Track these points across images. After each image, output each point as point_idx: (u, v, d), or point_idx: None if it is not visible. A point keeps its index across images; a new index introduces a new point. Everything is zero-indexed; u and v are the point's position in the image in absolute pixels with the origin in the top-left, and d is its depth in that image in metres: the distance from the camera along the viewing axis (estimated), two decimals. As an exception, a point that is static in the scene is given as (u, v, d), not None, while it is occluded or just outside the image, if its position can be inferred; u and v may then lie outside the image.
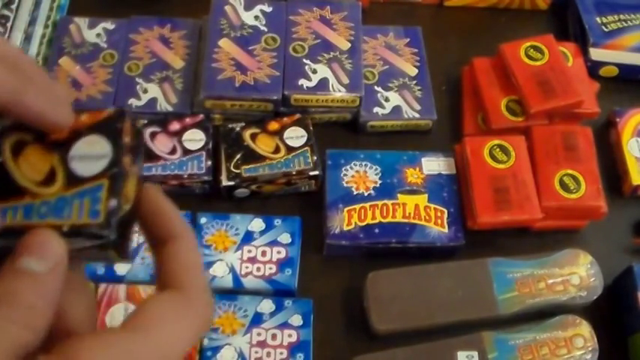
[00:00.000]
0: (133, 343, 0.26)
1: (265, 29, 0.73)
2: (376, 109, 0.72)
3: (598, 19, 0.78)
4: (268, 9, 0.74)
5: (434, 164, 0.68)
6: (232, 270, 0.61)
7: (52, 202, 0.28)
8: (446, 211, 0.65)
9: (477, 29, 0.83)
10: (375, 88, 0.73)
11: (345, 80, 0.70)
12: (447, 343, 0.59)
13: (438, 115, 0.73)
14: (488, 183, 0.65)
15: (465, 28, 0.83)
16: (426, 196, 0.66)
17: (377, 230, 0.64)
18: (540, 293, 0.62)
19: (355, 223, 0.64)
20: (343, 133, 0.73)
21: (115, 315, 0.58)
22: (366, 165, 0.67)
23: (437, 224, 0.64)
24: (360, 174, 0.67)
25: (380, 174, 0.67)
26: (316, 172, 0.66)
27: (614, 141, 0.74)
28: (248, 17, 0.73)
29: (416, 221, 0.64)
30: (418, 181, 0.67)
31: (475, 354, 0.58)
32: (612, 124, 0.74)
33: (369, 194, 0.66)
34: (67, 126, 0.31)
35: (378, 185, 0.66)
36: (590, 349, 0.60)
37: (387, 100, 0.73)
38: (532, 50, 0.72)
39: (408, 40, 0.77)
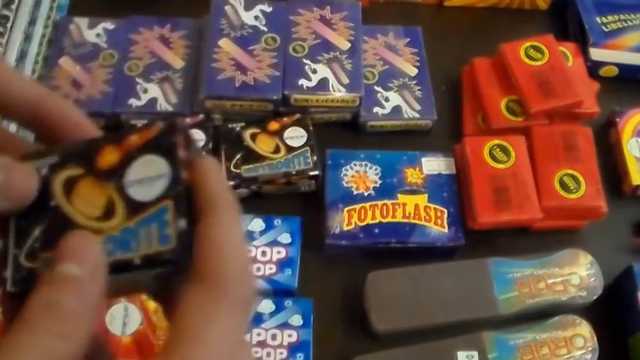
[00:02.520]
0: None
1: (265, 29, 0.73)
2: (376, 109, 0.72)
3: (598, 19, 0.78)
4: (268, 9, 0.74)
5: (434, 164, 0.68)
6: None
7: (118, 235, 0.26)
8: (446, 211, 0.65)
9: (477, 29, 0.83)
10: (375, 88, 0.73)
11: (345, 80, 0.70)
12: (447, 343, 0.59)
13: (438, 115, 0.73)
14: (488, 183, 0.65)
15: (465, 28, 0.83)
16: (426, 196, 0.66)
17: (377, 230, 0.64)
18: (540, 293, 0.62)
19: (355, 223, 0.64)
20: (343, 133, 0.73)
21: (115, 315, 0.58)
22: (366, 165, 0.67)
23: (437, 224, 0.64)
24: (360, 174, 0.67)
25: (380, 174, 0.67)
26: (316, 172, 0.66)
27: (614, 141, 0.74)
28: (248, 17, 0.73)
29: (416, 221, 0.64)
30: (418, 181, 0.67)
31: (475, 354, 0.58)
32: (612, 124, 0.74)
33: (369, 194, 0.66)
34: (90, 128, 0.30)
35: (378, 185, 0.66)
36: (590, 349, 0.60)
37: (387, 100, 0.73)
38: (532, 50, 0.72)
39: (408, 40, 0.77)
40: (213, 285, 0.26)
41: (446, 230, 0.64)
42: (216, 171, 0.28)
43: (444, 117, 0.74)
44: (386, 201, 0.65)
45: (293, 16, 0.74)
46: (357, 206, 0.65)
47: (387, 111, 0.72)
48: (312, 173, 0.66)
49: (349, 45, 0.73)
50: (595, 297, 0.62)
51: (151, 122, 0.29)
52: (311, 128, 0.69)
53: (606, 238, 0.69)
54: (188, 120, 0.69)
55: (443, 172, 0.68)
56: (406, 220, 0.64)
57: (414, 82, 0.74)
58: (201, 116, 0.69)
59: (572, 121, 0.72)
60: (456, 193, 0.67)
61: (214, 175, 0.28)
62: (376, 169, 0.67)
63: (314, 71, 0.71)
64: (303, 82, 0.70)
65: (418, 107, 0.73)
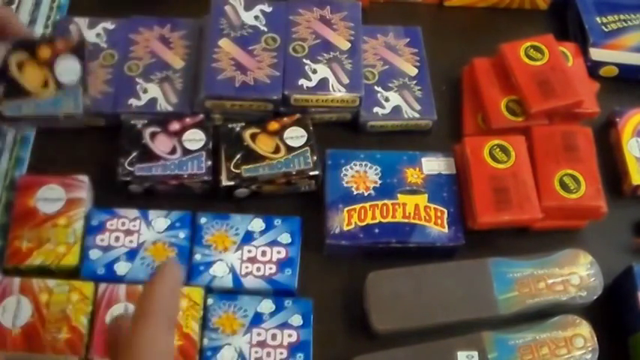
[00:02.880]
0: None
1: (265, 29, 0.73)
2: (376, 109, 0.72)
3: (598, 19, 0.78)
4: (268, 9, 0.74)
5: (434, 164, 0.68)
6: (232, 270, 0.61)
7: (50, 100, 0.60)
8: (446, 211, 0.65)
9: (477, 29, 0.83)
10: (375, 88, 0.73)
11: (345, 80, 0.70)
12: (447, 343, 0.59)
13: (438, 115, 0.73)
14: (488, 183, 0.65)
15: (465, 28, 0.83)
16: (426, 196, 0.66)
17: (377, 230, 0.64)
18: (540, 293, 0.62)
19: (355, 223, 0.64)
20: (343, 133, 0.73)
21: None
22: (366, 165, 0.68)
23: (437, 224, 0.64)
24: (360, 174, 0.67)
25: (380, 174, 0.67)
26: (316, 172, 0.66)
27: (614, 141, 0.74)
28: (248, 17, 0.73)
29: (416, 221, 0.64)
30: (418, 181, 0.67)
31: (475, 354, 0.58)
32: (612, 124, 0.74)
33: (369, 194, 0.66)
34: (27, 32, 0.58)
35: (378, 185, 0.66)
36: (590, 349, 0.60)
37: (387, 100, 0.73)
38: (532, 50, 0.72)
39: (408, 40, 0.77)
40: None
41: (446, 230, 0.64)
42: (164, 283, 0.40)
43: (444, 117, 0.74)
44: (386, 201, 0.65)
45: (293, 16, 0.74)
46: (357, 206, 0.65)
47: (387, 111, 0.72)
48: (312, 173, 0.66)
49: (349, 45, 0.73)
50: (595, 297, 0.62)
51: (69, 37, 0.54)
52: (311, 128, 0.69)
53: (606, 238, 0.69)
54: (188, 120, 0.69)
55: (443, 172, 0.68)
56: (406, 220, 0.64)
57: (414, 82, 0.74)
58: (201, 116, 0.69)
59: (572, 121, 0.72)
60: (455, 194, 0.67)
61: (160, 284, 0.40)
62: (376, 169, 0.67)
63: (314, 71, 0.71)
64: (303, 82, 0.70)
65: (418, 107, 0.73)
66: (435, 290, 0.62)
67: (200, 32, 0.75)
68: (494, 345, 0.59)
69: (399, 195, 0.66)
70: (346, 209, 0.65)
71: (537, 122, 0.70)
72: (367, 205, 0.65)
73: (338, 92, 0.70)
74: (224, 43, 0.71)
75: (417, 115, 0.72)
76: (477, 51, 0.76)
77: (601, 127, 0.75)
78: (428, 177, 0.67)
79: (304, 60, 0.71)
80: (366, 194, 0.66)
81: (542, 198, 0.65)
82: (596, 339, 0.60)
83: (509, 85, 0.72)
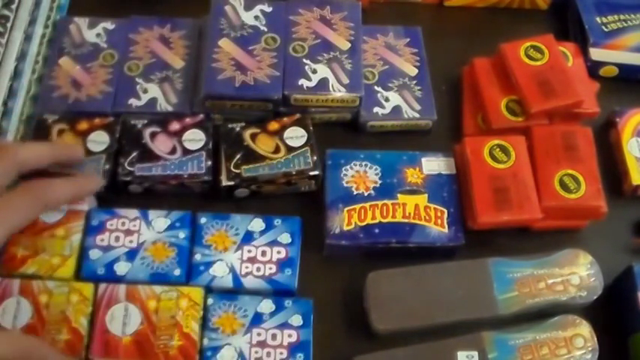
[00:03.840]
0: None
1: (265, 29, 0.73)
2: (376, 109, 0.72)
3: (598, 19, 0.78)
4: (268, 9, 0.74)
5: (434, 164, 0.68)
6: (232, 270, 0.61)
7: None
8: (446, 211, 0.65)
9: (477, 29, 0.83)
10: (375, 88, 0.73)
11: (345, 80, 0.70)
12: (447, 343, 0.59)
13: (438, 115, 0.73)
14: (489, 183, 0.65)
15: (465, 28, 0.83)
16: (426, 195, 0.66)
17: (377, 230, 0.64)
18: (540, 293, 0.62)
19: (355, 223, 0.64)
20: (343, 133, 0.73)
21: (115, 315, 0.58)
22: (365, 165, 0.68)
23: (437, 224, 0.64)
24: (360, 174, 0.67)
25: (380, 174, 0.67)
26: (316, 172, 0.66)
27: (614, 141, 0.74)
28: (248, 17, 0.73)
29: (416, 221, 0.64)
30: (418, 181, 0.67)
31: (475, 354, 0.58)
32: (612, 124, 0.74)
33: (369, 194, 0.66)
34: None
35: (378, 185, 0.66)
36: (590, 349, 0.60)
37: (387, 100, 0.73)
38: (532, 50, 0.72)
39: (408, 40, 0.77)
40: None
41: (446, 230, 0.64)
42: None
43: (444, 117, 0.74)
44: (386, 201, 0.65)
45: (293, 16, 0.74)
46: (357, 206, 0.65)
47: (387, 111, 0.72)
48: (312, 173, 0.66)
49: (349, 45, 0.73)
50: (595, 297, 0.62)
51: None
52: (311, 128, 0.69)
53: (606, 238, 0.69)
54: (188, 120, 0.69)
55: (443, 172, 0.68)
56: (406, 220, 0.64)
57: (414, 82, 0.74)
58: (201, 116, 0.69)
59: (572, 121, 0.72)
60: (455, 194, 0.67)
61: None
62: (376, 169, 0.67)
63: (314, 71, 0.71)
64: (303, 82, 0.70)
65: (418, 107, 0.73)
66: (435, 290, 0.62)
67: (200, 32, 0.75)
68: (494, 345, 0.59)
69: (399, 195, 0.66)
70: (346, 209, 0.65)
71: (537, 122, 0.70)
72: (367, 205, 0.65)
73: (338, 92, 0.70)
74: (224, 43, 0.71)
75: (417, 115, 0.72)
76: (477, 51, 0.76)
77: (601, 127, 0.75)
78: (428, 177, 0.67)
79: (304, 60, 0.71)
80: (366, 194, 0.66)
81: (542, 198, 0.65)
82: (596, 339, 0.60)
83: (509, 85, 0.72)
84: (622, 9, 0.80)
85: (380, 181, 0.66)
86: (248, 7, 0.74)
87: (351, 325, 0.63)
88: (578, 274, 0.63)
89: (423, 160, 0.68)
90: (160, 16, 0.77)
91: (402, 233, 0.64)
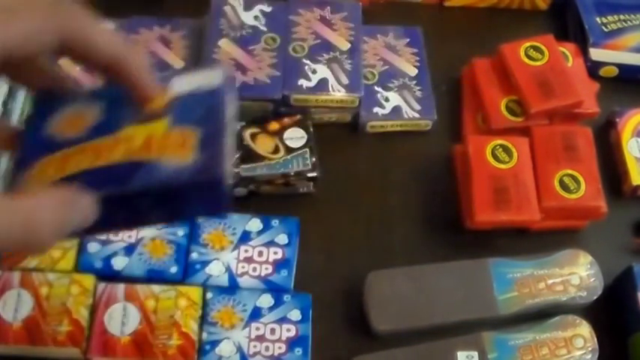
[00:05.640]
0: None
1: (265, 29, 0.73)
2: (376, 109, 0.72)
3: (598, 19, 0.78)
4: (268, 9, 0.74)
5: (189, 80, 0.43)
6: (228, 269, 0.61)
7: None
8: (195, 135, 0.39)
9: (477, 29, 0.83)
10: (375, 88, 0.73)
11: (345, 81, 0.70)
12: (447, 343, 0.59)
13: (438, 115, 0.73)
14: (489, 182, 0.65)
15: (465, 28, 0.83)
16: (167, 120, 0.40)
17: (79, 183, 0.37)
18: (540, 293, 0.62)
19: (50, 177, 0.38)
20: (343, 133, 0.73)
21: (114, 315, 0.58)
22: (84, 104, 0.43)
23: (176, 153, 0.38)
24: (76, 114, 0.42)
25: (104, 108, 0.42)
26: (314, 174, 0.66)
27: (614, 141, 0.74)
28: (248, 17, 0.73)
29: (142, 157, 0.38)
30: (160, 105, 0.41)
31: (475, 354, 0.58)
32: (612, 124, 0.74)
33: (79, 137, 0.40)
34: (152, 96, 0.40)
35: (94, 124, 0.41)
36: (590, 349, 0.59)
37: (387, 100, 0.73)
38: (532, 50, 0.72)
39: (408, 40, 0.77)
40: None
41: (189, 160, 0.37)
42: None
43: (444, 117, 0.74)
44: (98, 141, 0.39)
45: (293, 16, 0.74)
46: (57, 155, 0.39)
47: (387, 111, 0.72)
48: (310, 175, 0.66)
49: (349, 45, 0.73)
50: (595, 297, 0.62)
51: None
52: (311, 130, 0.69)
53: (606, 238, 0.69)
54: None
55: (203, 87, 0.42)
56: (127, 160, 0.38)
57: (414, 82, 0.74)
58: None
59: (572, 121, 0.72)
60: (217, 112, 0.40)
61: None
62: (100, 105, 0.42)
63: (314, 71, 0.71)
64: (302, 82, 0.70)
65: (418, 107, 0.73)
66: (435, 290, 0.62)
67: (200, 32, 0.75)
68: (494, 345, 0.59)
69: (122, 129, 0.40)
70: (39, 163, 0.39)
71: (537, 122, 0.70)
72: (71, 150, 0.39)
73: (337, 92, 0.70)
74: (224, 43, 0.71)
75: (417, 115, 0.72)
76: (477, 51, 0.76)
77: (601, 127, 0.75)
78: (177, 98, 0.41)
79: (304, 60, 0.71)
80: (73, 138, 0.40)
81: (542, 198, 0.65)
82: (596, 339, 0.60)
83: (509, 85, 0.72)
84: (622, 9, 0.80)
85: (101, 117, 0.41)
86: (248, 7, 0.74)
87: (351, 325, 0.63)
88: (578, 274, 0.63)
89: (174, 78, 0.43)
90: (159, 16, 0.77)
91: (116, 179, 0.38)
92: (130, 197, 0.38)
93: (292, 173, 0.66)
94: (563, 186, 0.66)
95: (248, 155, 0.66)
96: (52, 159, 0.39)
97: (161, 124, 0.40)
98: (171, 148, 0.38)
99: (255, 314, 0.59)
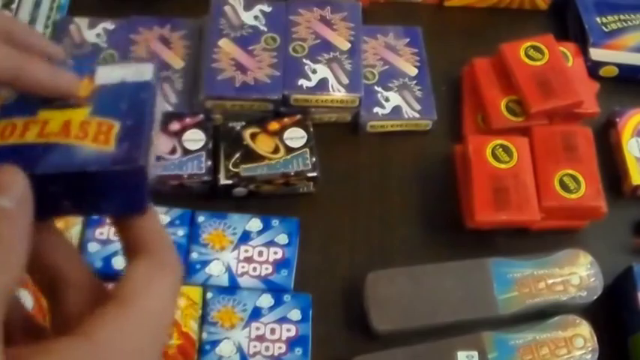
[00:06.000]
0: (126, 318, 0.27)
1: (265, 29, 0.73)
2: (376, 109, 0.72)
3: (598, 19, 0.78)
4: (268, 9, 0.74)
5: (116, 71, 0.40)
6: (228, 269, 0.61)
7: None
8: (117, 124, 0.36)
9: (477, 29, 0.83)
10: (375, 88, 0.73)
11: (345, 80, 0.70)
12: (447, 343, 0.59)
13: (438, 115, 0.73)
14: (489, 182, 0.65)
15: (465, 28, 0.83)
16: (88, 109, 0.37)
17: None
18: (540, 293, 0.62)
19: None
20: (343, 133, 0.73)
21: None
22: None
23: (95, 141, 0.35)
24: None
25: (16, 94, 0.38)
26: (314, 174, 0.66)
27: (614, 141, 0.74)
28: (248, 17, 0.73)
29: (57, 140, 0.35)
30: (83, 94, 0.38)
31: (475, 354, 0.58)
32: (612, 124, 0.74)
33: None
34: (70, 93, 0.34)
35: (10, 101, 0.37)
36: (590, 349, 0.59)
37: (387, 100, 0.73)
38: (532, 50, 0.72)
39: (408, 40, 0.77)
40: (150, 256, 0.30)
41: (111, 148, 0.34)
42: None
43: (444, 117, 0.74)
44: (15, 119, 0.36)
45: (293, 16, 0.74)
46: None
47: (387, 111, 0.72)
48: (310, 175, 0.66)
49: (349, 45, 0.73)
50: (595, 297, 0.62)
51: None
52: (311, 129, 0.69)
53: (606, 238, 0.69)
54: (188, 120, 0.69)
55: (129, 80, 0.39)
56: (40, 140, 0.35)
57: (414, 82, 0.74)
58: (201, 116, 0.69)
59: (572, 121, 0.72)
60: (144, 105, 0.37)
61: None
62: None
63: (314, 71, 0.71)
64: (302, 82, 0.70)
65: (418, 107, 0.73)
66: (435, 290, 0.62)
67: (200, 32, 0.75)
68: (494, 345, 0.59)
69: (40, 111, 0.37)
70: None
71: (537, 122, 0.70)
72: None
73: (337, 92, 0.70)
74: (224, 43, 0.71)
75: (417, 115, 0.72)
76: (477, 51, 0.76)
77: (601, 127, 0.75)
78: (101, 88, 0.38)
79: (304, 60, 0.71)
80: None
81: (542, 198, 0.65)
82: (596, 339, 0.60)
83: (509, 85, 0.72)
84: (622, 9, 0.80)
85: (13, 97, 0.38)
86: (248, 7, 0.74)
87: (351, 325, 0.63)
88: (578, 274, 0.63)
89: (100, 68, 0.40)
90: (159, 16, 0.77)
91: (27, 159, 0.34)
92: (39, 181, 0.33)
93: (292, 173, 0.66)
94: (563, 186, 0.66)
95: (248, 155, 0.66)
96: None
97: (81, 112, 0.37)
98: (91, 135, 0.35)
99: (255, 314, 0.59)
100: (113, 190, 0.35)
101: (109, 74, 0.39)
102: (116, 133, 0.35)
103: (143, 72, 0.40)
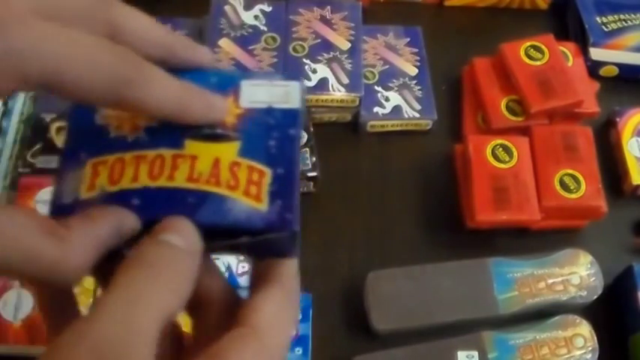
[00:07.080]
0: (261, 352, 0.27)
1: (265, 29, 0.73)
2: (376, 109, 0.72)
3: (598, 19, 0.78)
4: (268, 9, 0.74)
5: (262, 91, 0.35)
6: (229, 269, 0.61)
7: None
8: (269, 173, 0.33)
9: (477, 29, 0.83)
10: (375, 87, 0.73)
11: (345, 80, 0.70)
12: (447, 343, 0.59)
13: (438, 115, 0.73)
14: (489, 182, 0.65)
15: (465, 28, 0.83)
16: (237, 145, 0.34)
17: (136, 201, 0.32)
18: (540, 293, 0.62)
19: (102, 186, 0.32)
20: (343, 133, 0.73)
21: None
22: None
23: (248, 194, 0.32)
24: None
25: None
26: (315, 174, 0.66)
27: (614, 141, 0.74)
28: (248, 17, 0.73)
29: (209, 188, 0.33)
30: (229, 120, 0.34)
31: (475, 354, 0.58)
32: (612, 124, 0.74)
33: (136, 138, 0.33)
34: (221, 121, 0.33)
35: (153, 125, 0.34)
36: (590, 349, 0.59)
37: (387, 99, 0.73)
38: (532, 50, 0.72)
39: (408, 40, 0.77)
40: (278, 287, 0.31)
41: (264, 206, 0.32)
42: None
43: (444, 117, 0.74)
44: (162, 151, 0.33)
45: (293, 16, 0.74)
46: (111, 157, 0.33)
47: (387, 111, 0.72)
48: (310, 174, 0.66)
49: (349, 45, 0.73)
50: (595, 297, 0.62)
51: None
52: (311, 129, 0.69)
53: (606, 238, 0.69)
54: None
55: (276, 105, 0.35)
56: (192, 186, 0.32)
57: (414, 81, 0.74)
58: None
59: (572, 121, 0.72)
60: (294, 141, 0.34)
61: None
62: None
63: (314, 71, 0.71)
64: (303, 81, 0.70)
65: (418, 107, 0.73)
66: (435, 290, 0.62)
67: (200, 32, 0.75)
68: (494, 345, 0.59)
69: (187, 142, 0.33)
70: (91, 161, 0.33)
71: (537, 122, 0.70)
72: (128, 155, 0.33)
73: (338, 92, 0.70)
74: (224, 43, 0.71)
75: (417, 115, 0.72)
76: (477, 51, 0.76)
77: (601, 127, 0.75)
78: (247, 113, 0.34)
79: (304, 60, 0.71)
80: (130, 138, 0.33)
81: (542, 198, 0.65)
82: (596, 339, 0.60)
83: (509, 85, 0.72)
84: (622, 9, 0.80)
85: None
86: (248, 7, 0.74)
87: (351, 325, 0.63)
88: (578, 273, 0.63)
89: (244, 83, 0.35)
90: (160, 16, 0.76)
91: (180, 207, 0.32)
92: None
93: (292, 173, 0.66)
94: (564, 186, 0.66)
95: (248, 155, 0.66)
96: (105, 162, 0.33)
97: (230, 148, 0.34)
98: (242, 185, 0.33)
99: None
100: (263, 246, 0.34)
101: (254, 93, 0.36)
102: (268, 184, 0.33)
103: (289, 94, 0.37)
